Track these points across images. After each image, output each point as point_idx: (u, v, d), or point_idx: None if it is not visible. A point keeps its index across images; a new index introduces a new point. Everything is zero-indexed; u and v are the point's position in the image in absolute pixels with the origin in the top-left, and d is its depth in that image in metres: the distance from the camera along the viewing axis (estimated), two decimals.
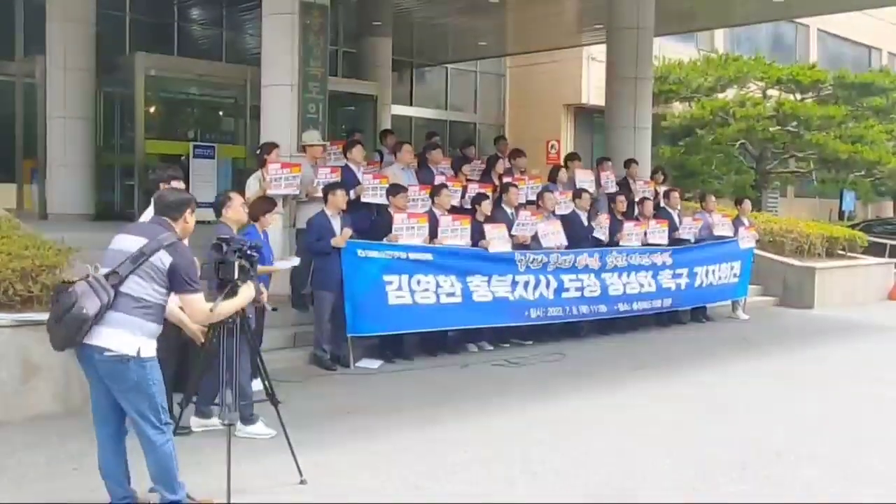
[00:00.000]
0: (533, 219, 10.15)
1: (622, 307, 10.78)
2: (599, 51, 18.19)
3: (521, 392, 7.84)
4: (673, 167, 20.32)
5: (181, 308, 4.55)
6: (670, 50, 22.26)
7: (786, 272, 14.64)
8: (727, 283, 12.25)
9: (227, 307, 4.57)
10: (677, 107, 21.73)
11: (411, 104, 21.15)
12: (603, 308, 10.56)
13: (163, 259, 4.19)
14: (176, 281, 4.23)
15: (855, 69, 25.93)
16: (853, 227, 20.86)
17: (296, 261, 7.71)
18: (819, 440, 6.54)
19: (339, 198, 8.47)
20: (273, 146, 9.29)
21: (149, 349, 4.18)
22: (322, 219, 8.49)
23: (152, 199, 4.72)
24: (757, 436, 6.58)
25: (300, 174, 8.99)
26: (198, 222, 4.66)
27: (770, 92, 21.28)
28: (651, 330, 11.66)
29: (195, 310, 4.40)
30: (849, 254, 16.54)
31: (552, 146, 21.67)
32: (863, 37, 31.17)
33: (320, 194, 8.84)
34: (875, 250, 17.70)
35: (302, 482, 5.14)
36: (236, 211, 6.33)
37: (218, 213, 6.42)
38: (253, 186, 8.99)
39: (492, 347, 9.90)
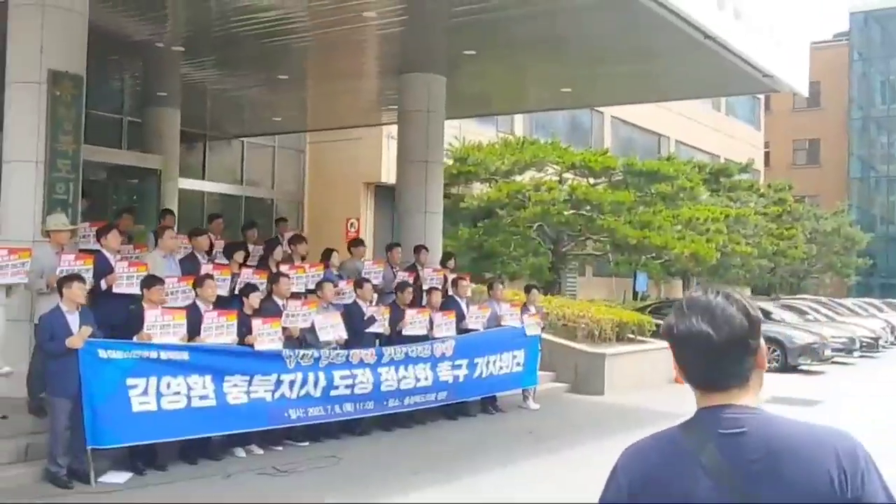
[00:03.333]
0: (305, 309, 9.49)
1: (392, 403, 10.23)
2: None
3: None
4: (472, 248, 20.27)
5: None
6: (471, 132, 22.47)
7: (577, 358, 14.65)
8: (511, 372, 11.96)
9: None
10: (478, 187, 21.84)
11: (204, 178, 20.16)
12: (371, 405, 9.97)
13: None
14: None
15: (646, 156, 27.18)
16: (645, 307, 21.49)
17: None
18: None
19: (76, 291, 7.50)
20: None
21: None
22: (56, 315, 7.48)
23: None
24: None
25: (29, 260, 7.89)
26: None
27: (566, 175, 21.76)
28: (437, 422, 11.21)
29: None
30: (638, 337, 16.85)
31: (352, 224, 21.23)
32: (652, 125, 32.84)
33: None
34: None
35: None
36: None
37: None
38: None
39: (262, 451, 9.09)
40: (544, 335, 14.59)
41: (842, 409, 14.27)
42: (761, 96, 43.27)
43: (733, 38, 11.60)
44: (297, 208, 22.24)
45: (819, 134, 52.43)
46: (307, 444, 9.56)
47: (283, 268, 10.33)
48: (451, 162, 21.08)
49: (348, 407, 9.78)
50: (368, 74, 14.75)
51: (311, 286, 10.50)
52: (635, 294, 25.84)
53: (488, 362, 11.48)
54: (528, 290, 13.45)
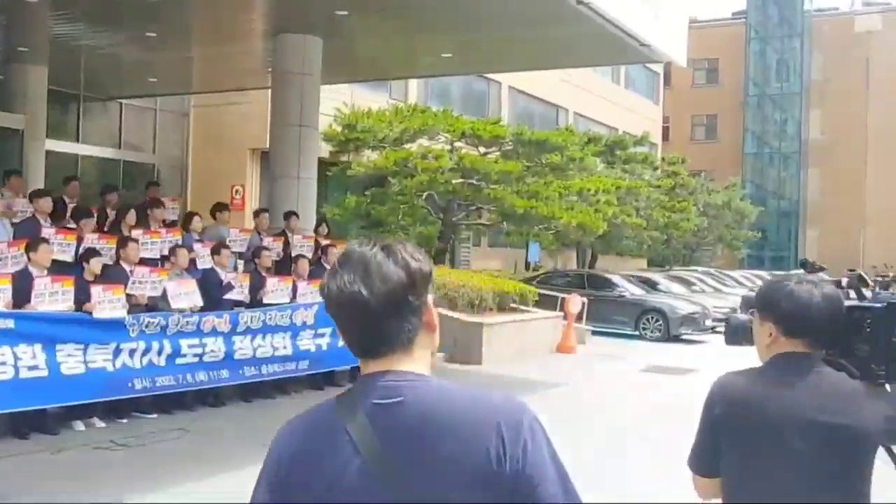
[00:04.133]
0: (154, 276, 9.05)
1: (249, 371, 9.88)
2: None
3: (108, 488, 6.69)
4: (359, 216, 19.93)
5: None
6: (362, 98, 22.03)
7: (456, 328, 14.48)
8: None
9: None
10: (369, 155, 21.43)
11: (78, 140, 19.25)
12: (225, 373, 9.61)
13: None
14: None
15: (543, 127, 27.13)
16: (534, 278, 21.55)
17: None
18: None
19: None
20: None
21: None
22: None
23: None
24: None
25: None
26: None
27: (458, 144, 21.52)
28: (302, 392, 10.92)
29: None
30: (520, 307, 16.83)
31: (237, 191, 20.64)
32: (550, 96, 32.86)
33: None
34: (549, 302, 18.22)
35: None
36: None
37: None
38: None
39: (104, 424, 8.66)
40: None
41: (714, 377, 14.50)
42: (660, 71, 43.88)
43: (607, 5, 11.47)
44: (180, 173, 21.48)
45: (717, 110, 53.54)
46: (156, 416, 9.17)
47: (135, 233, 9.83)
48: (339, 129, 20.66)
49: (201, 376, 9.40)
50: (244, 35, 14.16)
51: (167, 252, 10.03)
52: (528, 264, 25.89)
53: None
54: None
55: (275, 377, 10.39)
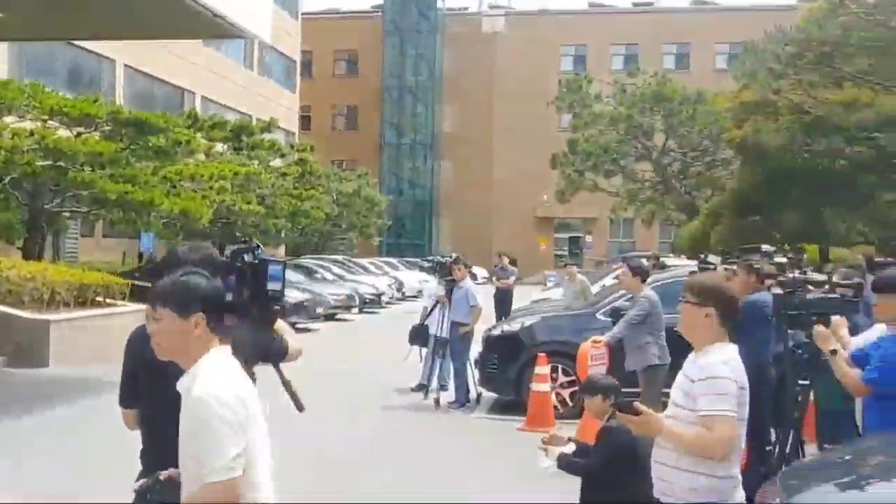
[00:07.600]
0: None
1: None
2: None
3: None
4: None
5: None
6: None
7: (17, 327, 12.92)
8: None
9: None
10: None
11: None
12: None
13: None
14: None
15: (167, 110, 25.47)
16: (139, 269, 20.17)
17: None
18: None
19: None
20: None
21: None
22: None
23: None
24: None
25: None
26: None
27: (53, 123, 19.41)
28: None
29: None
30: (107, 301, 15.44)
31: None
32: (175, 78, 31.33)
33: None
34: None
35: None
36: None
37: None
38: None
39: None
40: None
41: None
42: (297, 59, 43.70)
43: None
44: None
45: (357, 101, 54.52)
46: None
47: None
48: None
49: None
50: None
51: None
52: (141, 255, 24.32)
53: None
54: None
55: None
